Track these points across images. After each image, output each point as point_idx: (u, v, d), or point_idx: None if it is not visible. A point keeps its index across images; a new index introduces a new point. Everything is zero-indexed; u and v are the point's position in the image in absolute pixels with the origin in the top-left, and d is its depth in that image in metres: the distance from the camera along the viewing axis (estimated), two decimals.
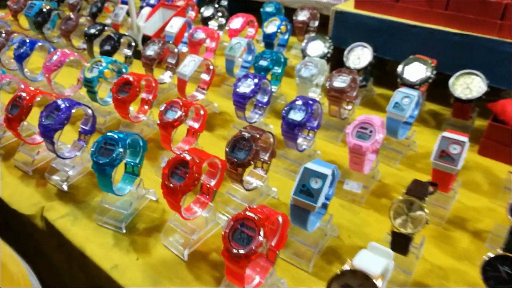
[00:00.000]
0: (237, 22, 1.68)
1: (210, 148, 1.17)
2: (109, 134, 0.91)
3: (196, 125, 1.12)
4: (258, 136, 0.92)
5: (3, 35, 1.49)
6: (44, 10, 1.76)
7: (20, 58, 1.40)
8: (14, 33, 1.52)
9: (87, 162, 1.11)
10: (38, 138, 1.15)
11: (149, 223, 0.96)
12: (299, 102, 1.08)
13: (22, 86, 1.24)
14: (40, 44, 1.43)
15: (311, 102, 1.07)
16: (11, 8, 1.90)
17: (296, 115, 1.06)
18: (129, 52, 1.54)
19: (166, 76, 1.48)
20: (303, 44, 1.51)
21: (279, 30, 1.61)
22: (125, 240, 0.92)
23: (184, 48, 1.69)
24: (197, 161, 0.83)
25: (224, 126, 1.35)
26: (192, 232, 0.88)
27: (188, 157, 0.83)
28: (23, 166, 1.14)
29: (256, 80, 1.19)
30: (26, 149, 1.15)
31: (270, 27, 1.63)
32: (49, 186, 1.08)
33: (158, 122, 1.05)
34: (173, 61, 1.46)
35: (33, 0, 1.87)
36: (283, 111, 1.08)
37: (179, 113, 1.04)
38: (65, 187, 1.06)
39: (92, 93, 1.27)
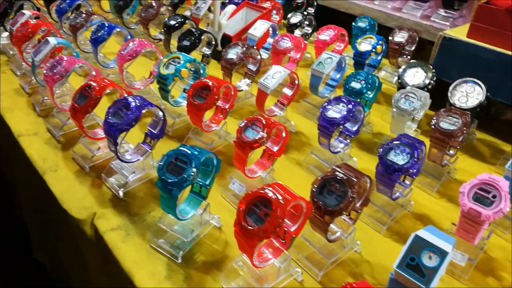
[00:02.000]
0: (327, 34, 1.52)
1: (281, 174, 1.03)
2: (182, 149, 0.78)
3: (275, 148, 0.97)
4: (355, 180, 0.76)
5: (84, 15, 1.42)
6: None
7: (96, 42, 1.32)
8: (94, 14, 1.45)
9: (149, 169, 0.99)
10: (101, 133, 1.05)
11: (209, 256, 0.82)
12: (403, 143, 0.90)
13: (93, 73, 1.15)
14: (118, 30, 1.35)
15: (417, 144, 0.89)
16: None
17: (398, 158, 0.89)
18: (207, 51, 1.43)
19: (243, 83, 1.35)
20: (401, 70, 1.32)
21: (374, 50, 1.43)
22: (179, 273, 0.78)
23: (264, 55, 1.56)
24: (282, 202, 0.67)
25: (300, 150, 1.19)
26: (260, 281, 0.73)
27: (271, 196, 0.68)
28: (81, 160, 1.04)
29: (350, 106, 1.02)
30: (87, 142, 1.06)
31: (364, 45, 1.45)
32: (103, 188, 0.98)
33: (235, 139, 0.91)
34: (254, 68, 1.33)
35: None
36: (381, 150, 0.91)
37: (261, 134, 0.89)
38: (121, 194, 0.94)
39: (164, 91, 1.15)
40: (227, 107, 1.12)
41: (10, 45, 1.50)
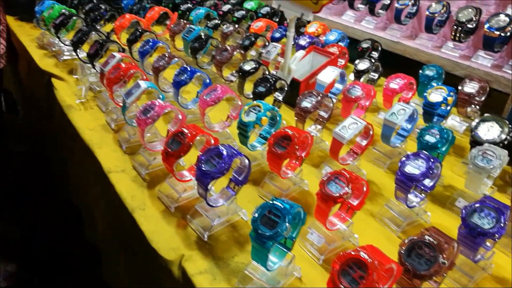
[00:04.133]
0: (396, 82, 1.54)
1: (356, 224, 1.04)
2: (275, 203, 0.82)
3: (355, 202, 0.99)
4: (445, 245, 0.77)
5: (166, 58, 1.53)
6: (203, 37, 1.80)
7: (179, 85, 1.42)
8: (175, 57, 1.56)
9: (232, 213, 1.04)
10: (188, 176, 1.12)
11: None
12: (488, 206, 0.90)
13: (180, 116, 1.23)
14: (198, 74, 1.44)
15: (503, 209, 0.89)
16: (170, 29, 1.99)
17: (483, 221, 0.89)
18: (279, 96, 1.49)
19: (314, 129, 1.39)
20: (473, 124, 1.32)
21: (445, 102, 1.44)
22: None
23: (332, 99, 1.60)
24: (377, 266, 0.70)
25: (372, 200, 1.20)
26: None
27: (367, 259, 0.70)
28: (167, 200, 1.11)
29: (429, 164, 1.03)
30: (173, 183, 1.13)
31: (435, 95, 1.46)
32: (189, 230, 1.04)
33: (319, 192, 0.95)
34: (326, 116, 1.37)
35: (192, 25, 1.94)
36: (464, 211, 0.91)
37: (345, 189, 0.92)
38: (205, 237, 1.00)
39: (244, 137, 1.22)
40: (303, 154, 1.16)
41: (98, 83, 1.64)
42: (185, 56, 1.97)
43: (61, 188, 2.14)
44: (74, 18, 1.88)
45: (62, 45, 1.95)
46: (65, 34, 1.95)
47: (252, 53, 2.03)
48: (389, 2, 2.08)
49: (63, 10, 1.93)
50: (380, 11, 2.10)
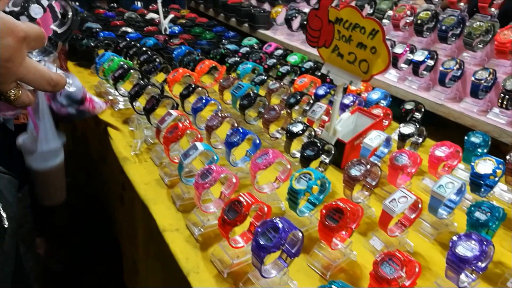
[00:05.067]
0: (442, 150, 1.56)
1: None
2: (335, 284, 0.85)
3: (407, 283, 1.00)
4: None
5: (220, 118, 1.62)
6: (251, 95, 1.88)
7: (231, 145, 1.49)
8: (228, 117, 1.64)
9: (283, 285, 1.07)
10: (241, 242, 1.16)
11: None
12: None
13: (234, 180, 1.29)
14: (249, 135, 1.51)
15: None
16: (220, 84, 2.09)
17: None
18: (326, 159, 1.53)
19: (361, 195, 1.42)
20: None
21: (493, 174, 1.44)
22: None
23: (376, 162, 1.63)
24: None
25: (422, 275, 1.20)
26: None
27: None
28: (220, 265, 1.15)
29: (483, 247, 1.04)
30: (225, 247, 1.17)
31: (483, 166, 1.47)
32: None
33: (372, 272, 0.97)
34: (373, 183, 1.40)
35: (240, 80, 2.03)
36: None
37: (400, 273, 0.94)
38: None
39: (294, 203, 1.26)
40: (353, 226, 1.19)
41: (152, 136, 1.73)
42: (231, 108, 2.07)
43: (104, 227, 2.23)
44: (131, 71, 2.01)
45: (118, 95, 2.08)
46: (121, 83, 2.08)
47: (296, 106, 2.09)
48: (433, 63, 2.12)
49: (122, 63, 2.07)
50: (424, 72, 2.14)
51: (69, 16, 0.92)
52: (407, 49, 2.23)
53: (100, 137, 1.97)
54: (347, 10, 1.52)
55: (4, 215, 1.11)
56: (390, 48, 1.49)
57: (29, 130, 1.59)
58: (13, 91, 0.74)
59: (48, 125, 1.59)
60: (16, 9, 0.80)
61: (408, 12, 2.38)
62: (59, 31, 0.90)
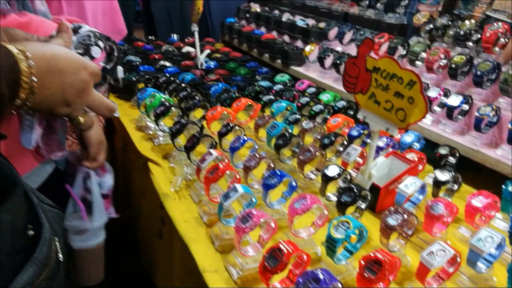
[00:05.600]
0: (479, 200, 1.56)
1: None
2: None
3: None
4: None
5: (257, 158, 1.67)
6: (286, 135, 1.94)
7: (268, 187, 1.53)
8: (264, 158, 1.69)
9: None
10: None
11: None
12: None
13: (273, 225, 1.33)
14: (286, 178, 1.55)
15: None
16: (256, 122, 2.16)
17: None
18: (362, 205, 1.56)
19: (396, 244, 1.43)
20: None
21: None
22: None
23: (411, 209, 1.64)
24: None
25: None
26: None
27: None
28: None
29: None
30: None
31: None
32: None
33: None
34: (410, 232, 1.41)
35: (275, 120, 2.10)
36: None
37: None
38: None
39: (332, 251, 1.28)
40: (391, 278, 1.20)
41: (191, 173, 1.80)
42: (266, 145, 2.12)
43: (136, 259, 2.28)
44: (173, 109, 2.11)
45: (158, 130, 2.18)
46: (162, 119, 2.18)
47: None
48: (468, 108, 2.13)
49: (163, 100, 2.18)
50: (459, 116, 2.15)
51: (115, 54, 1.06)
52: (441, 92, 2.25)
53: (139, 171, 2.06)
54: (385, 60, 1.57)
55: (59, 249, 1.17)
56: (426, 96, 1.52)
57: (73, 208, 1.60)
58: (81, 117, 0.93)
59: (96, 204, 1.64)
60: (80, 51, 0.94)
61: (442, 56, 2.41)
62: (107, 66, 1.05)
